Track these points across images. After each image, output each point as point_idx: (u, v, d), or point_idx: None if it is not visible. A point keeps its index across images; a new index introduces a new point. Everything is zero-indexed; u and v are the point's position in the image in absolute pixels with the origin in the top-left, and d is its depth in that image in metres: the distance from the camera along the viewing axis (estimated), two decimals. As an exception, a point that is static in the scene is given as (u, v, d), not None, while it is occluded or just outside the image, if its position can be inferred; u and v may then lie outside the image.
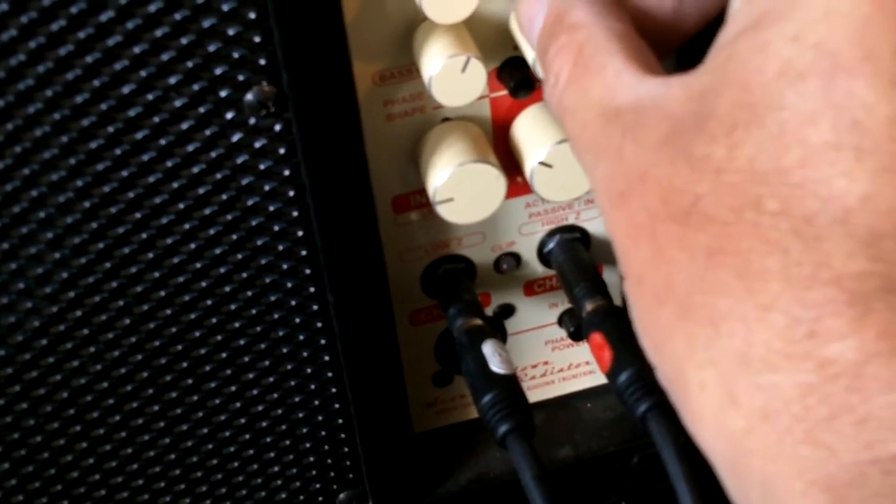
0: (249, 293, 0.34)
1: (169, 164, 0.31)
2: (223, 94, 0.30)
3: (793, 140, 0.20)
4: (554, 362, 0.43)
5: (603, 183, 0.24)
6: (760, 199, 0.20)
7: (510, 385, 0.34)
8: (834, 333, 0.19)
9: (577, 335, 0.42)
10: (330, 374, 0.37)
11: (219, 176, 0.32)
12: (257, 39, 0.29)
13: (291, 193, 0.32)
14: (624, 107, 0.24)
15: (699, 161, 0.21)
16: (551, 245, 0.39)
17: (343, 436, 0.39)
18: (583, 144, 0.25)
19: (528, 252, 0.39)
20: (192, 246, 0.33)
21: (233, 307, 0.35)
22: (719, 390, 0.20)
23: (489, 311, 0.41)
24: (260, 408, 0.37)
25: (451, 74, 0.31)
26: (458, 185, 0.33)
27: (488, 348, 0.35)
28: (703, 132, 0.21)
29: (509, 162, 0.36)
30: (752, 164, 0.20)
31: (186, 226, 0.32)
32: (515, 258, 0.39)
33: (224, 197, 0.32)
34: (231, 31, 0.29)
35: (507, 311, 0.41)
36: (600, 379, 0.44)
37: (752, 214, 0.20)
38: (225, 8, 0.28)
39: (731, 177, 0.20)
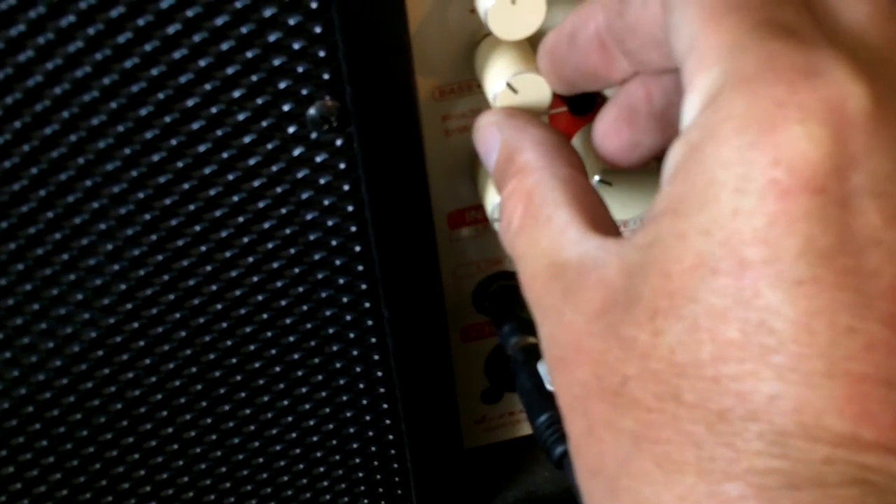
0: (305, 307, 0.34)
1: (230, 177, 0.31)
2: (286, 108, 0.30)
3: (706, 335, 0.20)
4: (604, 381, 0.43)
5: (546, 343, 0.24)
6: (680, 391, 0.20)
7: (566, 405, 0.34)
8: None
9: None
10: (382, 390, 0.37)
11: (279, 190, 0.31)
12: (322, 54, 0.29)
13: (350, 209, 0.32)
14: (567, 264, 0.24)
15: (627, 342, 0.21)
16: (606, 263, 0.38)
17: (393, 451, 0.39)
18: (531, 298, 0.25)
19: (582, 269, 0.39)
20: (250, 259, 0.33)
21: (288, 321, 0.34)
22: None
23: (541, 328, 0.40)
24: (311, 422, 0.37)
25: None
26: (517, 202, 0.33)
27: (544, 367, 0.35)
28: (630, 313, 0.21)
29: (567, 179, 0.35)
30: (672, 354, 0.20)
31: (245, 239, 0.32)
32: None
33: (283, 211, 0.32)
34: (296, 46, 0.29)
35: (560, 328, 0.41)
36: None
37: (672, 405, 0.20)
38: (291, 22, 0.28)
39: (654, 363, 0.21)
